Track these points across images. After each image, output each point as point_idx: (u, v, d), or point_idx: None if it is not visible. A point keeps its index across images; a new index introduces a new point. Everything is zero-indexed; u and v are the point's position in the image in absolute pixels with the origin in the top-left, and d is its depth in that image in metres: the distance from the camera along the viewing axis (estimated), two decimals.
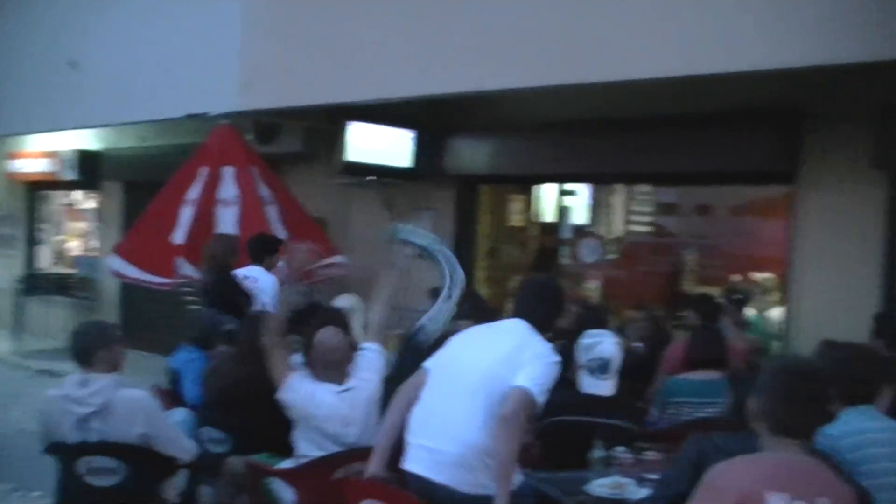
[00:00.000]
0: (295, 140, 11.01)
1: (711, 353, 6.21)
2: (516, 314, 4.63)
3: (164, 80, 10.51)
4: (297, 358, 6.20)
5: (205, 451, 5.69)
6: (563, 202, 11.35)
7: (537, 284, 5.09)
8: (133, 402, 4.99)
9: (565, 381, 5.11)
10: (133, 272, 9.50)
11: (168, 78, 10.44)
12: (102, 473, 4.92)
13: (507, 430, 4.12)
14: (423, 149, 9.95)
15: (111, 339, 5.15)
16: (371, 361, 5.53)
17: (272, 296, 7.75)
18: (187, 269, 8.95)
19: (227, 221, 9.18)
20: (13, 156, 16.30)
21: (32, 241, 17.20)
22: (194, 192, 9.41)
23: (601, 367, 5.35)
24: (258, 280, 7.94)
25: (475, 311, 6.43)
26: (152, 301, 11.38)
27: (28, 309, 15.29)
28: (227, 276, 7.79)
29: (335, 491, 4.85)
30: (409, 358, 5.78)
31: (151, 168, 12.36)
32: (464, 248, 10.33)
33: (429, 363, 4.63)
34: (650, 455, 4.91)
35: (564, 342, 6.16)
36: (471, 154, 9.84)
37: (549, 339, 4.55)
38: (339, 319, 5.90)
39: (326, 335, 5.43)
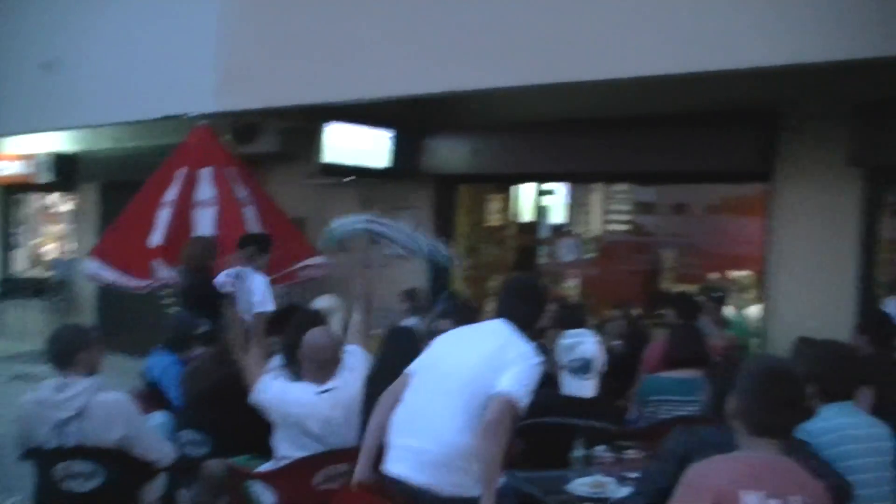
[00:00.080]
0: (273, 140, 10.97)
1: (691, 352, 6.22)
2: (499, 314, 4.63)
3: (140, 82, 10.45)
4: (277, 360, 6.19)
5: (183, 454, 5.66)
6: (542, 201, 11.38)
7: (520, 284, 5.08)
8: (111, 405, 4.95)
9: (546, 380, 5.12)
10: (110, 274, 9.45)
11: (145, 79, 10.38)
12: (80, 478, 4.88)
13: (492, 435, 4.12)
14: (402, 149, 9.94)
15: (89, 342, 5.11)
16: (353, 364, 5.52)
17: (262, 295, 7.75)
18: (165, 272, 8.91)
19: (205, 223, 9.14)
20: None
21: (8, 245, 17.06)
22: (171, 193, 9.37)
23: (583, 368, 5.35)
24: (246, 280, 7.91)
25: (456, 310, 6.43)
26: (130, 303, 11.30)
27: (4, 312, 15.18)
28: (204, 277, 7.76)
29: (315, 493, 4.84)
30: (389, 355, 5.76)
31: (128, 170, 12.29)
32: None
33: (412, 366, 4.62)
34: (631, 454, 4.92)
35: (543, 341, 6.18)
36: (449, 154, 9.84)
37: (531, 338, 4.55)
38: (319, 321, 5.88)
39: (315, 334, 5.42)
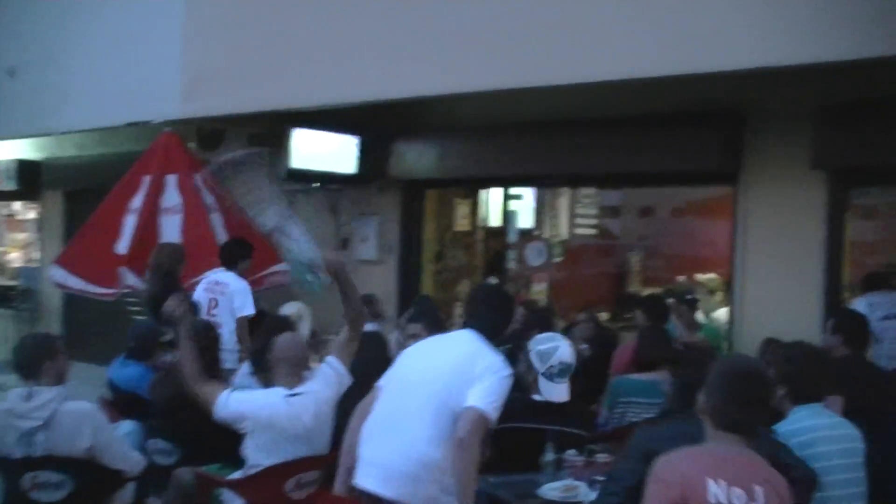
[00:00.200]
0: (238, 147, 10.91)
1: (659, 354, 6.26)
2: (466, 324, 4.63)
3: (105, 88, 10.37)
4: (246, 367, 6.17)
5: (152, 462, 5.63)
6: (509, 206, 11.39)
7: (486, 293, 5.11)
8: (79, 414, 4.93)
9: (516, 384, 5.13)
10: (76, 283, 9.38)
11: (109, 85, 10.30)
12: (48, 488, 4.85)
13: (465, 451, 4.13)
14: (368, 154, 9.92)
15: (55, 351, 5.08)
16: (325, 374, 5.50)
17: (244, 301, 7.74)
18: (131, 279, 8.85)
19: (171, 230, 9.09)
20: None
21: None
22: (137, 200, 9.31)
23: (561, 372, 5.35)
24: (228, 285, 7.89)
25: (425, 314, 6.43)
26: (96, 311, 11.21)
27: None
28: (172, 284, 7.73)
29: (287, 500, 4.83)
30: (357, 360, 5.75)
31: (93, 177, 12.18)
32: (410, 253, 10.34)
33: (382, 380, 4.62)
34: (601, 457, 4.94)
35: (511, 346, 6.19)
36: (415, 158, 9.83)
37: (501, 344, 4.56)
38: (286, 327, 5.87)
39: (285, 338, 5.43)
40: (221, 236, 9.13)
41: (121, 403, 6.59)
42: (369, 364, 5.43)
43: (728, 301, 8.44)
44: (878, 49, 5.36)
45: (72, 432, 4.86)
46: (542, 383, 5.31)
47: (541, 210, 11.74)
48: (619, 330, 9.59)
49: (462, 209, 11.16)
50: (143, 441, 5.89)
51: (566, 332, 7.32)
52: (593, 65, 6.55)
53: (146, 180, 9.37)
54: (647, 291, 10.91)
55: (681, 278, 10.98)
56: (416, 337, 5.86)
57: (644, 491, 3.24)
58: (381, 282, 9.94)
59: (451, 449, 4.16)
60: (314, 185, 10.23)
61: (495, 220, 11.40)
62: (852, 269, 7.63)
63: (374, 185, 10.17)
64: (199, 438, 5.61)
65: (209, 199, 9.37)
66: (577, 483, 4.68)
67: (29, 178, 14.18)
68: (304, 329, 7.92)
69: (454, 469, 4.15)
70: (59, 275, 9.54)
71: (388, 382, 4.57)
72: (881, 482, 4.29)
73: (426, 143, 9.78)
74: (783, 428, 4.08)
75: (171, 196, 9.28)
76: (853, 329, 5.58)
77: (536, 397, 5.34)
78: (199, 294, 7.96)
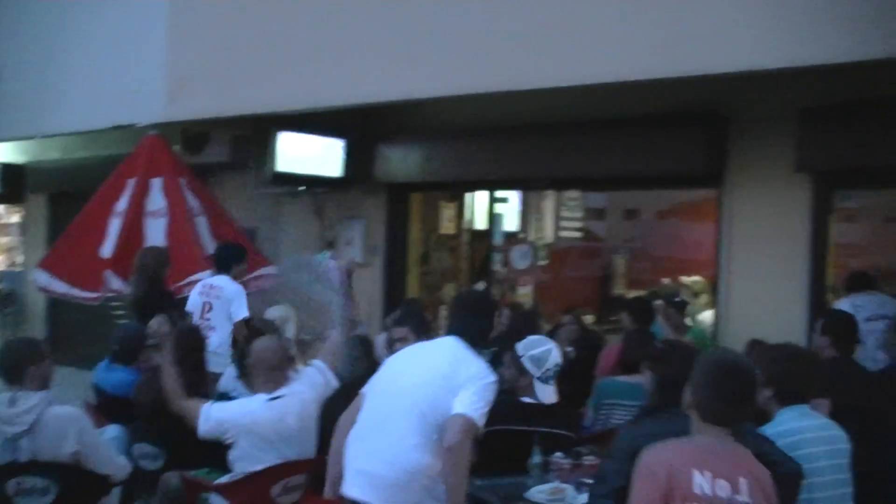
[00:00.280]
0: (223, 150, 10.89)
1: (645, 356, 6.26)
2: (450, 330, 4.65)
3: (88, 90, 10.33)
4: (231, 371, 6.16)
5: (138, 467, 5.61)
6: (494, 208, 11.40)
7: (470, 299, 5.14)
8: (64, 419, 4.91)
9: (502, 388, 5.14)
10: (60, 286, 9.33)
11: (93, 88, 10.26)
12: (33, 494, 4.83)
13: (456, 459, 4.16)
14: (353, 157, 9.91)
15: (40, 356, 5.06)
16: (309, 377, 5.50)
17: (240, 304, 7.73)
18: (116, 282, 8.81)
19: (156, 233, 9.05)
20: None
21: None
22: (122, 204, 9.26)
23: (554, 374, 5.39)
24: (223, 289, 7.86)
25: (412, 317, 6.42)
26: (81, 315, 11.17)
27: None
28: (157, 287, 7.71)
29: None
30: (349, 366, 5.77)
31: (77, 180, 12.14)
32: (396, 256, 10.34)
33: (366, 387, 4.62)
34: (588, 460, 4.95)
35: (497, 349, 6.21)
36: (401, 161, 9.83)
37: (486, 347, 4.58)
38: (271, 330, 5.87)
39: (263, 342, 5.43)
40: (207, 240, 9.11)
41: (106, 407, 6.56)
42: (356, 368, 5.43)
43: (713, 303, 8.46)
44: (868, 51, 5.37)
45: (57, 437, 4.84)
46: (538, 387, 5.33)
47: (526, 213, 11.76)
48: (605, 332, 9.62)
49: (447, 212, 11.16)
50: (128, 445, 5.87)
51: (551, 334, 7.33)
52: (579, 68, 6.55)
53: (131, 183, 9.33)
54: (632, 294, 10.93)
55: (666, 280, 11.00)
56: (403, 340, 5.87)
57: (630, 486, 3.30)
58: (366, 285, 9.93)
59: (442, 457, 4.19)
60: (300, 188, 10.21)
61: (480, 222, 11.41)
62: (836, 271, 7.66)
63: (360, 189, 10.16)
64: (185, 442, 5.59)
65: (194, 202, 9.35)
66: (564, 486, 4.69)
67: (12, 182, 14.11)
68: (290, 332, 7.92)
69: (445, 477, 4.17)
70: (43, 278, 9.49)
71: (373, 390, 4.58)
72: (869, 483, 4.31)
73: (411, 146, 9.78)
74: (769, 429, 4.09)
75: (156, 199, 9.24)
76: (842, 330, 5.60)
77: (525, 399, 5.36)
78: (194, 298, 7.93)
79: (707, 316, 8.99)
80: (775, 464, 3.62)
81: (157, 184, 9.32)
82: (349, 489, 4.39)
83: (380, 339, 7.65)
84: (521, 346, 5.52)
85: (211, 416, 5.26)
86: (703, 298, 9.70)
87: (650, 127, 7.99)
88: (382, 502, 4.27)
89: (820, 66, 5.65)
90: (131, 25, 9.88)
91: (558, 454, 4.94)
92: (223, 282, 7.91)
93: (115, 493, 5.37)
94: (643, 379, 6.00)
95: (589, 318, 10.56)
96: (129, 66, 9.78)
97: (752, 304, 7.61)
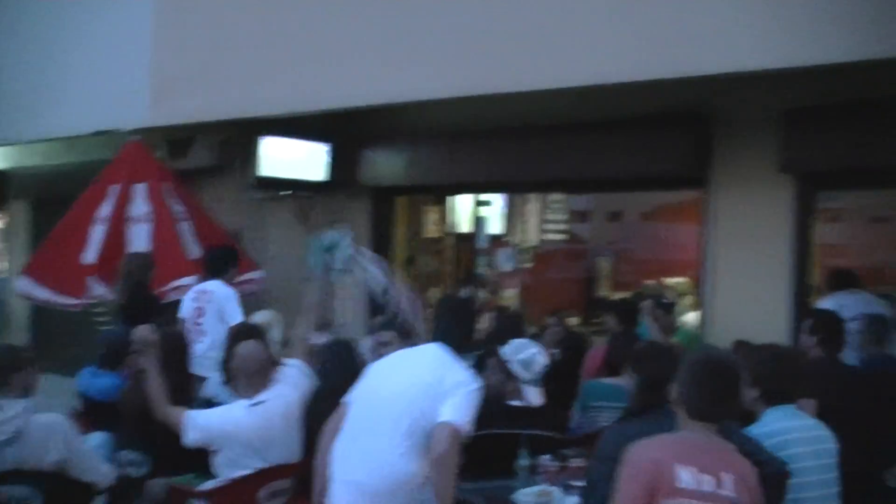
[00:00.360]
0: (207, 154, 10.85)
1: (627, 358, 6.27)
2: (434, 337, 4.65)
3: (71, 96, 10.29)
4: (216, 377, 6.14)
5: (123, 474, 5.58)
6: (479, 212, 11.41)
7: (453, 305, 5.14)
8: (48, 427, 4.88)
9: (487, 392, 5.14)
10: (43, 293, 9.29)
11: (75, 93, 10.22)
12: (17, 502, 4.79)
13: (444, 467, 4.17)
14: (338, 161, 9.90)
15: (23, 363, 5.04)
16: (290, 377, 5.49)
17: (234, 308, 7.71)
18: (99, 289, 8.78)
19: (140, 239, 9.02)
20: None
21: None
22: (105, 209, 9.23)
23: (542, 377, 5.41)
24: (214, 293, 7.84)
25: (396, 321, 6.41)
26: (64, 322, 11.11)
27: None
28: (143, 293, 7.68)
29: None
30: (329, 369, 5.74)
31: (60, 186, 12.07)
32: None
33: (349, 396, 4.61)
34: (575, 462, 4.95)
35: (481, 352, 6.21)
36: (385, 165, 9.81)
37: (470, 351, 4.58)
38: (256, 334, 5.85)
39: (245, 347, 5.41)
40: (191, 245, 9.08)
41: (91, 414, 6.53)
42: (342, 374, 5.41)
43: (697, 304, 8.47)
44: (858, 52, 5.41)
45: (41, 445, 4.81)
46: (526, 390, 5.35)
47: (510, 216, 11.77)
48: (590, 334, 9.64)
49: (432, 215, 11.16)
50: (113, 452, 5.84)
51: (536, 337, 7.33)
52: (562, 70, 6.56)
53: (114, 189, 9.30)
54: (617, 295, 10.95)
55: (650, 282, 11.02)
56: (388, 344, 5.88)
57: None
58: (350, 289, 9.91)
59: (430, 465, 4.19)
60: (284, 192, 10.19)
61: (465, 226, 11.41)
62: (820, 272, 7.69)
63: (344, 193, 10.15)
64: (170, 449, 5.57)
65: (178, 207, 9.33)
66: (551, 488, 4.69)
67: None
68: (276, 336, 7.90)
69: (434, 485, 4.18)
70: (26, 285, 9.45)
71: (357, 399, 4.57)
72: (856, 483, 4.33)
73: (396, 149, 9.77)
74: (756, 430, 4.11)
75: (140, 205, 9.21)
76: (830, 331, 5.63)
77: (513, 403, 5.37)
78: (187, 303, 7.92)
79: (692, 317, 9.01)
80: (761, 464, 3.64)
81: (140, 189, 9.29)
82: (336, 499, 4.38)
83: (365, 344, 7.64)
84: (507, 351, 5.53)
85: (195, 425, 5.24)
86: (688, 299, 9.72)
87: (635, 129, 8.00)
88: None
89: (807, 67, 5.67)
90: (114, 30, 9.85)
91: (545, 457, 4.94)
92: (215, 286, 7.89)
93: (101, 500, 5.33)
94: (625, 381, 6.05)
95: (574, 320, 10.58)
96: (112, 71, 9.75)
97: (736, 304, 7.63)
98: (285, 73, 8.09)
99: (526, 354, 5.46)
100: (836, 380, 5.31)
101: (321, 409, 5.02)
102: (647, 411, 4.07)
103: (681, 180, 8.34)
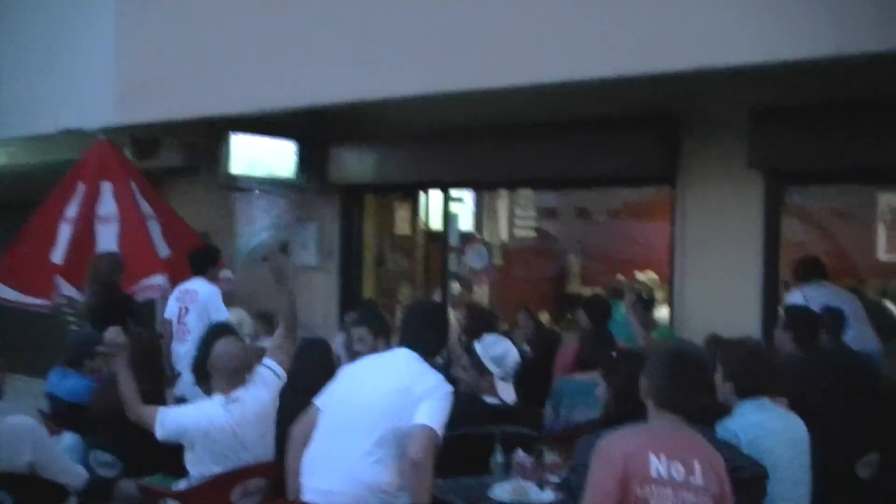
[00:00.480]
0: (175, 154, 10.79)
1: (601, 354, 6.28)
2: (403, 343, 4.64)
3: (35, 95, 10.20)
4: (188, 377, 6.10)
5: (95, 476, 5.53)
6: (449, 209, 11.39)
7: (422, 310, 5.14)
8: (19, 429, 4.82)
9: (463, 391, 5.17)
10: (10, 294, 9.20)
11: (40, 92, 10.12)
12: None
13: (420, 472, 4.18)
14: (307, 159, 9.88)
15: None
16: (263, 376, 5.46)
17: (218, 306, 7.70)
18: (66, 289, 8.71)
19: (108, 238, 8.96)
20: None
21: None
22: (72, 209, 9.16)
23: (514, 373, 5.43)
24: (198, 293, 7.82)
25: (369, 318, 6.40)
26: (31, 323, 11.01)
27: None
28: (112, 293, 7.63)
29: None
30: (301, 368, 5.72)
31: (25, 187, 11.96)
32: (351, 258, 10.31)
33: (319, 400, 4.60)
34: (549, 458, 4.95)
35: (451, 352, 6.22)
36: (354, 163, 9.81)
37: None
38: (228, 333, 5.81)
39: (222, 344, 5.37)
40: (160, 245, 9.04)
41: (61, 415, 6.47)
42: (315, 373, 5.39)
43: (668, 300, 8.51)
44: (818, 50, 5.45)
45: (11, 448, 4.75)
46: (500, 386, 5.36)
47: (480, 213, 11.76)
48: (561, 329, 9.66)
49: (402, 213, 11.16)
50: (85, 454, 5.79)
51: (507, 334, 7.34)
52: (531, 68, 6.57)
53: (81, 188, 9.22)
54: (586, 292, 10.97)
55: (621, 279, 11.04)
56: (361, 341, 5.87)
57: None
58: (322, 287, 9.91)
59: (406, 471, 4.20)
60: (253, 191, 10.15)
61: (435, 223, 11.40)
62: (789, 267, 7.74)
63: (314, 191, 10.12)
64: (141, 450, 5.52)
65: (146, 207, 9.26)
66: (526, 484, 4.69)
67: None
68: (246, 333, 7.91)
69: (411, 490, 4.19)
70: None
71: (329, 405, 4.55)
72: (828, 476, 4.37)
73: (364, 147, 9.77)
74: (732, 424, 4.14)
75: (108, 204, 9.15)
76: (804, 326, 5.70)
77: (488, 400, 5.37)
78: (171, 305, 8.01)
79: (663, 313, 9.03)
80: (739, 470, 3.66)
81: (107, 188, 9.23)
82: None
83: (338, 340, 7.63)
84: (480, 347, 5.54)
85: (168, 420, 5.20)
86: (658, 295, 9.75)
87: (604, 128, 8.05)
88: None
89: (773, 63, 5.71)
90: (79, 29, 9.77)
91: (521, 454, 4.94)
92: (198, 285, 7.91)
93: (72, 502, 5.29)
94: (599, 387, 6.07)
95: (545, 317, 10.60)
96: (77, 71, 9.67)
97: (706, 300, 7.69)
98: (252, 72, 8.06)
99: (498, 350, 5.48)
100: (811, 374, 5.36)
101: (293, 406, 5.00)
102: (620, 421, 4.06)
103: (651, 178, 8.40)
